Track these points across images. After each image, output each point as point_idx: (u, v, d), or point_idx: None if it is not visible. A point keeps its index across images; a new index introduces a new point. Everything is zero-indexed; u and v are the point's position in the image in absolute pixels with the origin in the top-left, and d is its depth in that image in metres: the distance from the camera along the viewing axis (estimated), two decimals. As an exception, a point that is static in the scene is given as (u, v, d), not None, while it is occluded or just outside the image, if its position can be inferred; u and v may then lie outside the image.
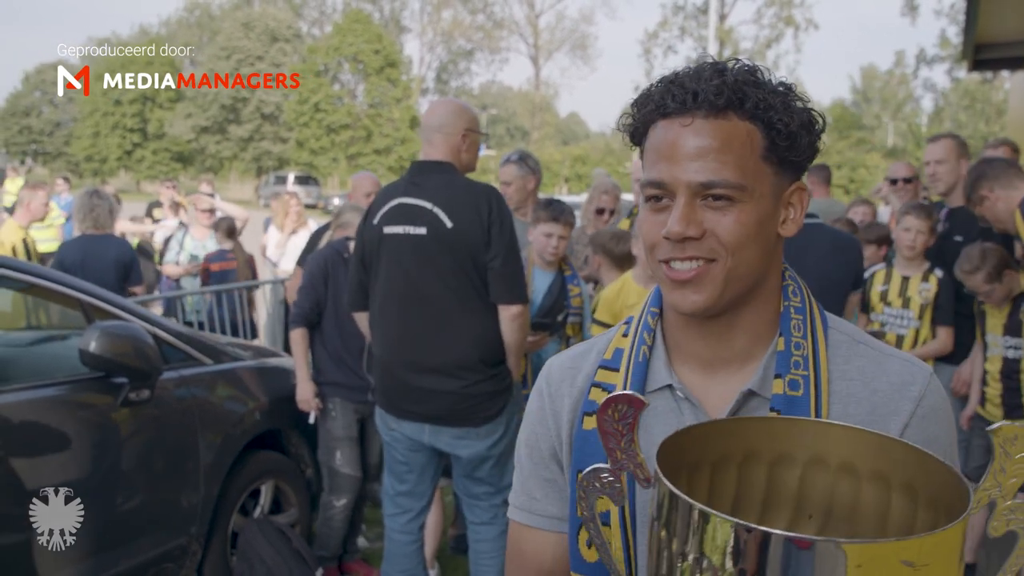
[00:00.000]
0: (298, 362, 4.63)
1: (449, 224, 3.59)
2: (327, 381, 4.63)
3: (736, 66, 1.23)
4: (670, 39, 61.55)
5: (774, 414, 1.21)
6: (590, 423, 1.32)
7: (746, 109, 1.19)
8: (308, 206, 34.04)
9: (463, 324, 3.66)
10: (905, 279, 4.84)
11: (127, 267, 6.14)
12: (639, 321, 1.38)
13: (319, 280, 4.64)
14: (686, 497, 0.89)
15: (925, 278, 4.83)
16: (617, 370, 1.35)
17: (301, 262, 5.91)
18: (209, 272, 8.07)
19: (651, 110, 1.24)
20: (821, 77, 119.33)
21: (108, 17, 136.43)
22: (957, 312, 4.81)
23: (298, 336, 4.64)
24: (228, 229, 8.25)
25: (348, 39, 51.74)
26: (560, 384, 1.42)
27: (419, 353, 3.67)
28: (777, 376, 1.24)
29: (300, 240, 8.95)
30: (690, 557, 0.89)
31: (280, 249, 8.87)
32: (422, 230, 3.62)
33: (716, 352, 1.29)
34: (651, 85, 1.26)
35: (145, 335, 3.65)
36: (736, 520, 0.84)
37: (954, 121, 54.34)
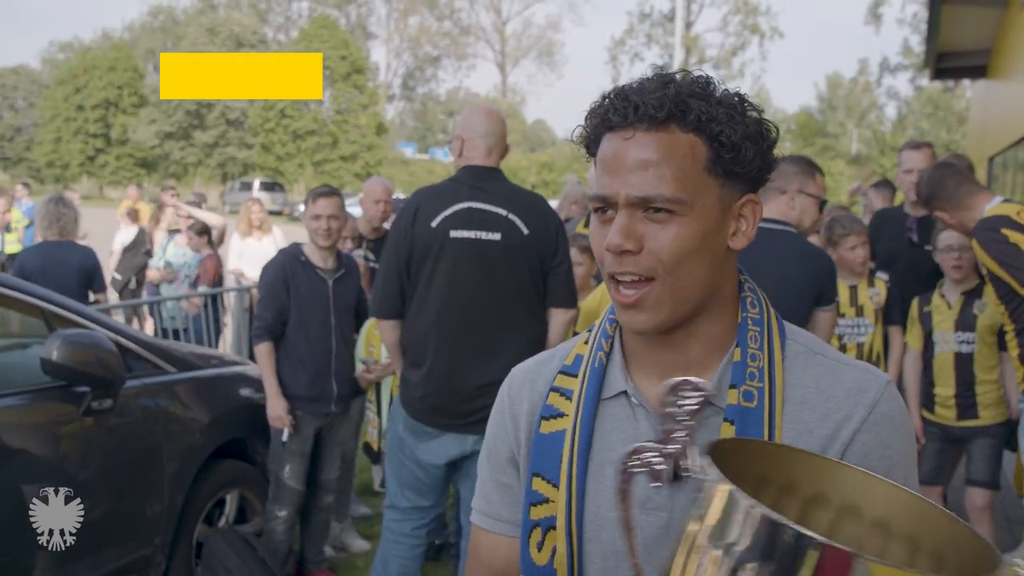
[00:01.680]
0: (267, 378, 4.48)
1: (526, 231, 3.62)
2: (291, 394, 4.50)
3: (683, 78, 1.23)
4: (636, 46, 62.04)
5: (728, 424, 1.21)
6: (547, 427, 1.34)
7: (688, 121, 1.19)
8: (273, 212, 33.90)
9: (528, 329, 3.69)
10: (852, 288, 4.90)
11: (90, 274, 6.06)
12: (598, 328, 1.39)
13: (280, 288, 4.49)
14: (758, 505, 0.86)
15: (871, 283, 4.91)
16: (576, 375, 1.36)
17: None
18: (220, 276, 8.13)
19: (598, 123, 1.25)
20: (787, 85, 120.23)
21: (70, 21, 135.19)
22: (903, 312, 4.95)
23: (264, 351, 4.49)
24: (200, 230, 8.23)
25: (314, 45, 51.53)
26: (520, 389, 1.43)
27: (488, 361, 3.59)
28: (732, 387, 1.24)
29: (263, 247, 8.92)
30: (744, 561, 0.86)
31: (240, 256, 8.85)
32: (496, 236, 3.59)
33: (672, 360, 1.29)
34: (601, 97, 1.27)
35: (108, 343, 3.61)
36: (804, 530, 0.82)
37: (917, 129, 54.86)
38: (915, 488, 1.22)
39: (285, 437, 4.48)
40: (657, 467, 1.07)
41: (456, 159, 3.80)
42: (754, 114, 1.23)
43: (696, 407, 1.04)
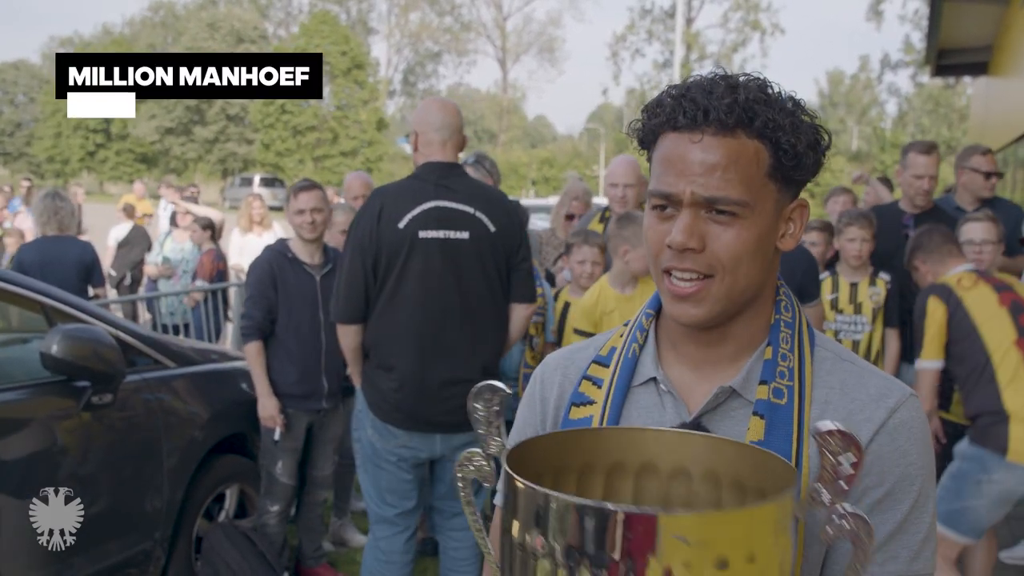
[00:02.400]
0: (257, 377, 4.43)
1: (493, 228, 3.60)
2: (282, 392, 4.45)
3: (748, 82, 1.25)
4: (637, 42, 62.10)
5: (758, 419, 1.25)
6: (577, 413, 1.37)
7: (755, 127, 1.22)
8: (274, 208, 33.81)
9: (495, 327, 3.70)
10: (853, 285, 4.90)
11: (88, 269, 6.06)
12: (634, 322, 1.42)
13: (268, 286, 4.44)
14: (525, 482, 0.94)
15: (872, 282, 4.90)
16: (608, 366, 1.39)
17: None
18: (219, 270, 8.14)
19: (662, 121, 1.27)
20: (788, 82, 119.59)
21: (70, 16, 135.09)
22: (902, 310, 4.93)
23: (254, 350, 4.43)
24: (205, 225, 8.24)
25: (314, 40, 51.47)
26: (553, 373, 1.47)
27: (460, 361, 3.59)
28: (763, 383, 1.27)
29: (264, 242, 8.93)
30: (527, 539, 0.94)
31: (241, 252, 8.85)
32: (464, 235, 3.57)
33: (706, 355, 1.33)
34: (663, 94, 1.29)
35: (108, 338, 3.60)
36: (556, 493, 0.91)
37: (917, 126, 54.88)
38: (932, 505, 1.25)
39: (277, 436, 4.45)
40: (485, 470, 1.15)
41: (414, 154, 3.74)
42: (807, 119, 1.26)
43: (498, 407, 1.12)
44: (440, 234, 3.55)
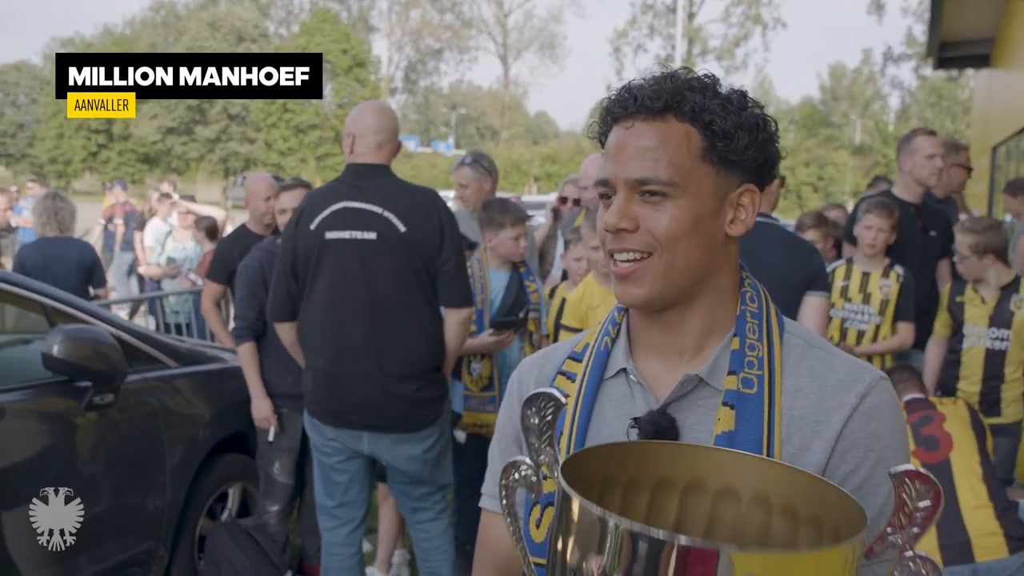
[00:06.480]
0: (250, 379, 4.41)
1: (402, 228, 3.59)
2: (277, 393, 4.44)
3: (684, 73, 1.31)
4: (639, 37, 61.98)
5: (728, 409, 1.27)
6: None
7: (684, 111, 1.28)
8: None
9: (414, 329, 3.66)
10: (866, 275, 4.85)
11: (89, 269, 6.06)
12: (607, 316, 1.46)
13: (260, 287, 4.41)
14: (585, 501, 0.90)
15: (886, 274, 4.83)
16: (582, 360, 1.43)
17: None
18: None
19: (604, 116, 1.36)
20: (790, 75, 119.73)
21: (71, 17, 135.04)
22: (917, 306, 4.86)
23: (247, 351, 4.41)
24: (208, 228, 8.20)
25: (316, 39, 51.50)
26: (530, 372, 1.50)
27: (371, 361, 3.60)
28: (732, 373, 1.30)
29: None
30: (579, 561, 0.91)
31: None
32: (371, 235, 3.57)
33: (671, 343, 1.36)
34: (610, 94, 1.36)
35: (109, 338, 3.60)
36: (609, 515, 0.87)
37: (920, 118, 54.72)
38: None
39: (271, 437, 4.45)
40: (531, 480, 1.11)
41: (348, 156, 3.74)
42: (756, 110, 1.31)
43: (552, 417, 1.08)
44: (346, 234, 3.59)
